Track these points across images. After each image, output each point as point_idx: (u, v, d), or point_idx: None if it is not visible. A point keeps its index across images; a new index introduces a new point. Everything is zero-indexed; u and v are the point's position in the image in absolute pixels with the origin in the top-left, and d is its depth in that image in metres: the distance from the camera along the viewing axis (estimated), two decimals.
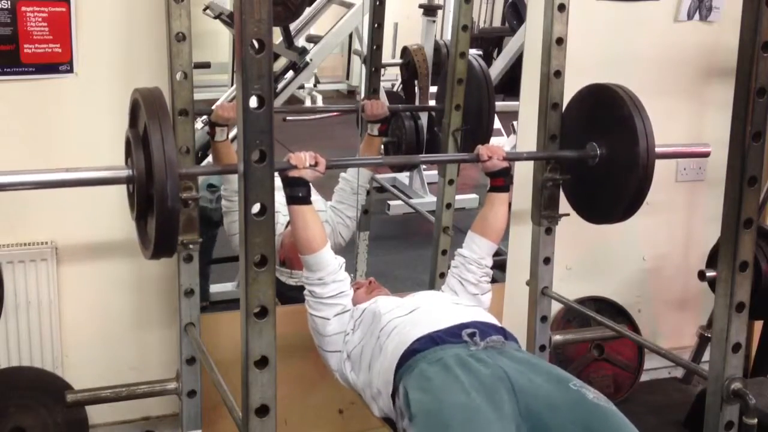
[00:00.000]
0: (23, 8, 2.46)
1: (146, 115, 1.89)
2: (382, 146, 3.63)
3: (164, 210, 1.85)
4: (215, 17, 3.01)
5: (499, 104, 3.24)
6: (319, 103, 3.80)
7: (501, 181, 2.47)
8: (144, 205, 1.95)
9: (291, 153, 2.21)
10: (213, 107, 2.68)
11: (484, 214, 2.49)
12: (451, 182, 3.07)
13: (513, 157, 2.56)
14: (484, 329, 2.18)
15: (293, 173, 2.20)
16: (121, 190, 2.66)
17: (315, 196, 3.05)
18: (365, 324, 2.30)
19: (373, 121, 3.04)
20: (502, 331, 2.21)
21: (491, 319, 2.28)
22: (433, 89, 3.57)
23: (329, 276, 2.31)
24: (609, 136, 2.43)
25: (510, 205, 3.13)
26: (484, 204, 2.51)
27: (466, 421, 1.89)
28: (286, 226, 2.95)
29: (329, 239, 3.04)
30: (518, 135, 3.16)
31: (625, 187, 2.37)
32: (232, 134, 2.71)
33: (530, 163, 2.65)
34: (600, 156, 2.45)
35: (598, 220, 2.57)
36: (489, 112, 3.11)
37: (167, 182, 1.83)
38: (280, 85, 3.15)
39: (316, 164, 2.22)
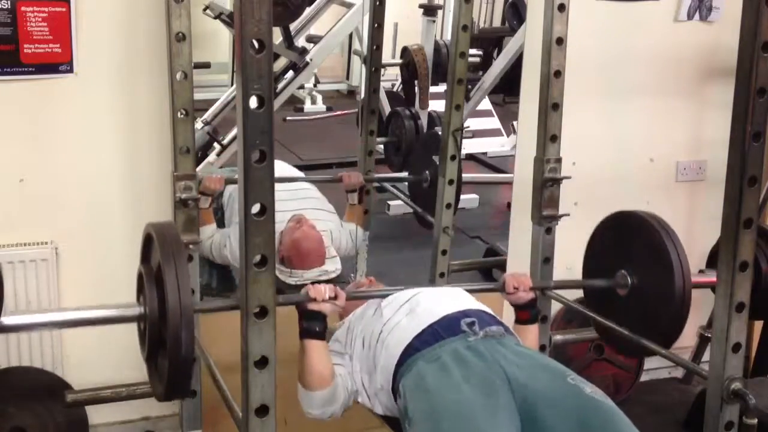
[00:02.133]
0: (23, 8, 2.46)
1: (161, 255, 1.81)
2: (382, 146, 3.65)
3: (178, 358, 1.76)
4: (215, 17, 3.01)
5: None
6: (319, 103, 3.81)
7: (526, 314, 2.36)
8: (156, 346, 1.87)
9: (310, 285, 2.14)
10: (201, 177, 2.69)
11: None
12: (451, 182, 3.07)
13: (541, 286, 2.47)
14: (483, 318, 2.18)
15: (312, 306, 2.12)
16: (121, 186, 2.68)
17: (326, 206, 3.16)
18: (364, 324, 2.29)
19: (351, 191, 3.15)
20: (501, 324, 2.21)
21: (489, 310, 2.27)
22: (434, 89, 3.57)
23: (341, 406, 2.22)
24: (640, 265, 2.33)
25: (511, 206, 3.15)
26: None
27: (457, 418, 1.90)
28: (287, 223, 2.96)
29: (336, 240, 3.09)
30: (518, 135, 3.16)
31: (659, 320, 2.27)
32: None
33: (530, 163, 2.65)
34: (631, 286, 2.34)
35: (632, 353, 2.48)
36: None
37: (182, 331, 1.74)
38: (280, 85, 3.16)
39: (336, 297, 2.13)
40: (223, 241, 2.93)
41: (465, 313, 2.18)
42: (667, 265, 2.23)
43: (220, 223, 3.00)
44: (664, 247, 2.26)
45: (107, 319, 1.95)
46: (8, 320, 1.85)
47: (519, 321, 2.37)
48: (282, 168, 3.29)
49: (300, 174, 3.29)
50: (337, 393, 2.19)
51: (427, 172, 3.30)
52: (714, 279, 2.40)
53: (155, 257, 1.86)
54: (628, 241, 2.39)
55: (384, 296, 2.33)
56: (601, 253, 2.49)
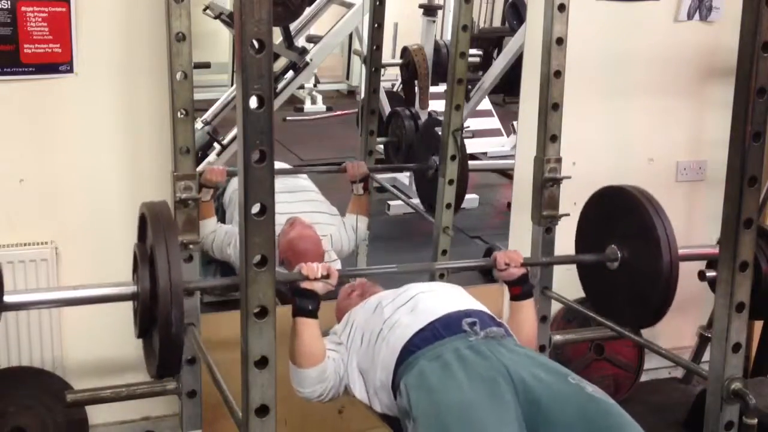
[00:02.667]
0: (23, 8, 2.46)
1: (152, 235, 1.85)
2: (382, 146, 3.65)
3: (168, 334, 1.82)
4: (215, 17, 3.02)
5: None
6: (319, 103, 3.82)
7: (518, 289, 2.37)
8: (148, 324, 1.91)
9: (302, 263, 2.14)
10: (204, 169, 2.72)
11: (510, 323, 2.36)
12: (451, 182, 3.07)
13: (532, 263, 2.49)
14: (484, 319, 2.19)
15: (305, 285, 2.13)
16: (121, 186, 2.69)
17: (328, 208, 3.15)
18: (365, 320, 2.29)
19: (356, 181, 3.12)
20: (502, 326, 2.22)
21: (488, 310, 2.28)
22: (433, 89, 3.57)
23: (330, 389, 2.23)
24: (630, 240, 2.37)
25: (511, 206, 3.14)
26: (509, 313, 2.41)
27: (463, 419, 1.91)
28: (283, 227, 2.96)
29: (336, 244, 3.09)
30: (518, 135, 3.16)
31: (648, 294, 2.31)
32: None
33: (530, 163, 2.65)
34: (621, 259, 2.38)
35: (625, 324, 2.50)
36: (464, 180, 3.15)
37: (171, 307, 1.80)
38: (280, 85, 3.16)
39: (328, 275, 2.14)
40: (227, 239, 2.92)
41: (466, 313, 2.19)
42: (654, 238, 2.27)
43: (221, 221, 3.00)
44: (650, 221, 2.30)
45: (103, 297, 1.99)
46: (8, 299, 1.88)
47: (513, 297, 2.39)
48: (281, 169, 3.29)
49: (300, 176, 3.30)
50: (327, 373, 2.21)
51: (433, 157, 3.28)
52: (702, 251, 2.48)
53: (149, 236, 1.90)
54: (617, 216, 2.42)
55: (379, 275, 2.34)
56: (592, 228, 2.52)
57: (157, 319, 1.84)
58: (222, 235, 2.93)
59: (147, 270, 1.88)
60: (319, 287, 2.14)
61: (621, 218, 2.40)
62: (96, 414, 2.78)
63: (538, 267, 2.64)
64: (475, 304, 2.27)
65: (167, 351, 1.85)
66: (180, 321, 1.82)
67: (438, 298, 2.27)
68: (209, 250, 2.93)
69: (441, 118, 3.11)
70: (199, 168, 2.58)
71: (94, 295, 2.00)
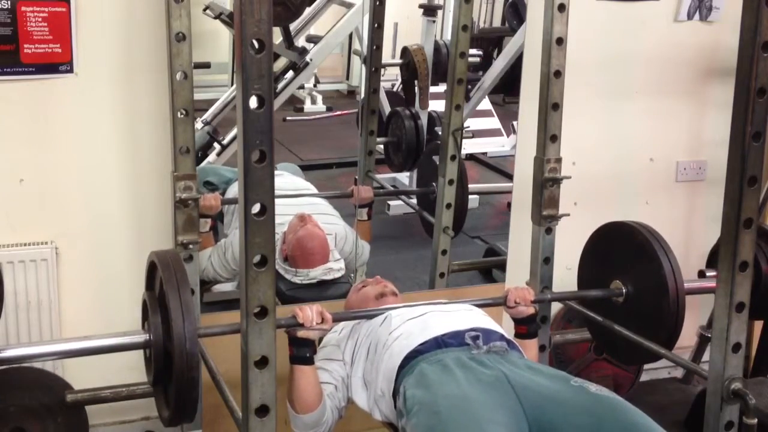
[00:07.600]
0: (23, 8, 2.46)
1: (164, 282, 1.84)
2: (383, 146, 3.65)
3: (185, 383, 1.81)
4: (215, 17, 3.02)
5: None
6: (319, 103, 3.82)
7: (525, 329, 2.39)
8: (162, 370, 1.90)
9: (297, 308, 2.10)
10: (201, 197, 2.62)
11: None
12: (451, 182, 3.07)
13: (540, 299, 2.52)
14: (488, 334, 2.20)
15: (301, 334, 2.09)
16: (121, 186, 2.69)
17: (331, 210, 3.16)
18: (372, 331, 2.30)
19: (361, 206, 3.12)
20: (506, 340, 2.23)
21: (499, 329, 2.29)
22: (433, 89, 3.57)
23: (328, 428, 2.24)
24: (634, 274, 2.39)
25: (511, 206, 3.15)
26: None
27: (456, 408, 1.92)
28: (291, 221, 2.96)
29: (340, 242, 3.08)
30: (518, 135, 3.16)
31: (655, 328, 2.32)
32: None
33: (530, 163, 2.65)
34: (626, 295, 2.41)
35: (633, 361, 2.51)
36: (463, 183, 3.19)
37: (188, 356, 1.79)
38: (280, 85, 3.16)
39: (323, 321, 2.10)
40: (220, 251, 2.92)
41: (471, 329, 2.21)
42: (660, 273, 2.28)
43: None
44: (655, 256, 2.30)
45: (114, 346, 1.97)
46: (11, 352, 1.89)
47: (518, 335, 2.39)
48: (289, 172, 3.30)
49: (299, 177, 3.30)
50: (325, 416, 2.21)
51: (434, 184, 3.29)
52: (707, 285, 2.45)
53: (158, 284, 1.89)
54: (620, 252, 2.43)
55: (371, 317, 2.33)
56: (595, 265, 2.54)
57: (173, 367, 1.82)
58: (216, 253, 2.92)
59: (159, 318, 1.87)
60: (314, 335, 2.13)
61: (624, 253, 2.42)
62: (96, 414, 2.78)
63: (539, 269, 2.64)
64: (482, 321, 2.28)
65: (184, 400, 1.84)
66: (197, 369, 1.81)
67: (446, 316, 2.28)
68: (214, 275, 2.93)
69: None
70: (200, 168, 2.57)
71: (105, 344, 1.98)
